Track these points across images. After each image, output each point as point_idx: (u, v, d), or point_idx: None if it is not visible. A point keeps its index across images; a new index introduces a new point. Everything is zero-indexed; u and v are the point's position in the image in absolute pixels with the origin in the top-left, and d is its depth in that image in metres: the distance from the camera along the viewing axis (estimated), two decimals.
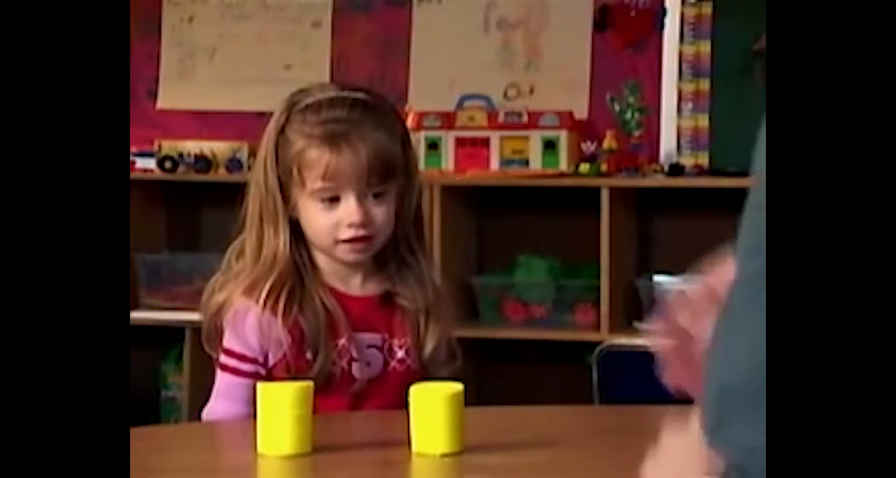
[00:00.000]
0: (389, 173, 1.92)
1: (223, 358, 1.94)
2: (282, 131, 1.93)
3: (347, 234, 1.91)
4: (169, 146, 3.71)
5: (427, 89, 3.73)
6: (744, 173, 2.90)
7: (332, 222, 1.91)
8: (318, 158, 1.89)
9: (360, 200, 1.90)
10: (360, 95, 1.95)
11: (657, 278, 3.33)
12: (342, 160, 1.89)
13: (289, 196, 1.93)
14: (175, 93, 3.97)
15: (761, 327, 0.80)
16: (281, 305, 1.90)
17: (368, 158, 1.89)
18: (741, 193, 0.91)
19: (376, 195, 1.92)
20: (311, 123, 1.91)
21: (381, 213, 1.92)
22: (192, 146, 3.71)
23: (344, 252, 1.92)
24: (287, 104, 1.95)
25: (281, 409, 1.53)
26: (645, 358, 1.17)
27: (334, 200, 1.90)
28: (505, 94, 3.66)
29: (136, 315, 3.48)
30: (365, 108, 1.92)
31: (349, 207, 1.90)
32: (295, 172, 1.91)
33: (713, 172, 3.36)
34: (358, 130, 1.90)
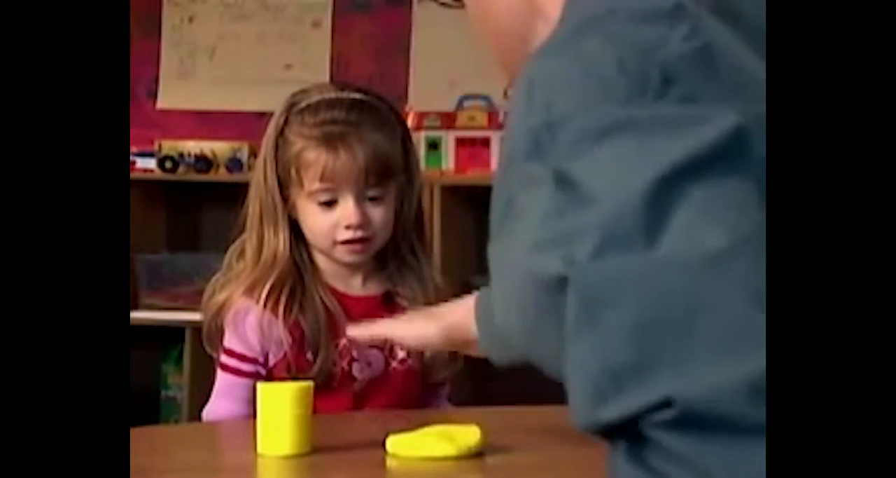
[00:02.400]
0: (388, 175, 1.92)
1: (224, 358, 1.94)
2: (281, 132, 1.94)
3: (345, 235, 1.91)
4: (169, 146, 3.71)
5: (427, 89, 3.73)
6: None
7: (331, 224, 1.91)
8: (315, 159, 1.89)
9: (358, 201, 1.90)
10: (358, 96, 1.95)
11: None
12: (339, 162, 1.89)
13: (288, 196, 1.93)
14: (175, 93, 3.97)
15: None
16: (281, 305, 1.90)
17: (366, 159, 1.89)
18: None
19: (375, 197, 1.92)
20: (308, 124, 1.91)
21: (379, 214, 1.92)
22: (192, 146, 3.71)
23: (342, 253, 1.92)
24: (286, 105, 1.96)
25: (281, 409, 1.53)
26: None
27: (332, 201, 1.90)
28: (505, 94, 3.66)
29: (136, 315, 3.48)
30: (363, 110, 1.92)
31: (347, 209, 1.90)
32: (293, 172, 1.91)
33: None
34: (356, 131, 1.90)
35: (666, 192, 0.82)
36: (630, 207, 0.82)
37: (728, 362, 0.78)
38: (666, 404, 0.79)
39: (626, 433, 0.83)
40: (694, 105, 0.86)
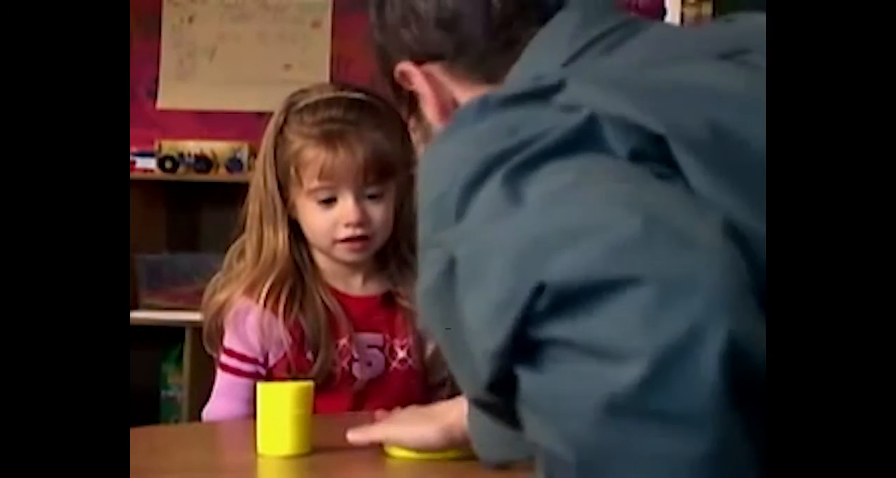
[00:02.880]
0: (387, 173, 1.92)
1: (224, 358, 1.94)
2: (280, 132, 1.94)
3: (345, 233, 1.91)
4: (169, 146, 3.71)
5: None
6: None
7: (330, 222, 1.91)
8: (314, 157, 1.89)
9: (358, 199, 1.90)
10: (357, 95, 1.95)
11: None
12: (338, 160, 1.89)
13: (288, 196, 1.93)
14: (175, 93, 3.97)
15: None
16: (281, 304, 1.90)
17: (365, 157, 1.89)
18: None
19: (374, 195, 1.92)
20: (307, 123, 1.91)
21: (378, 212, 1.92)
22: (192, 146, 3.71)
23: (342, 252, 1.92)
24: (286, 105, 1.96)
25: (281, 409, 1.53)
26: None
27: (332, 199, 1.90)
28: None
29: (136, 315, 3.48)
30: (362, 109, 1.92)
31: (346, 207, 1.90)
32: (293, 171, 1.91)
33: None
34: (355, 129, 1.90)
35: (519, 176, 0.91)
36: (491, 200, 0.91)
37: (582, 243, 0.85)
38: (540, 291, 0.85)
39: (520, 355, 0.88)
40: (554, 123, 0.95)
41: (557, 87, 0.99)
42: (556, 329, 0.85)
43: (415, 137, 1.29)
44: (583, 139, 0.93)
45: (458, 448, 1.49)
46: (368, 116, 1.92)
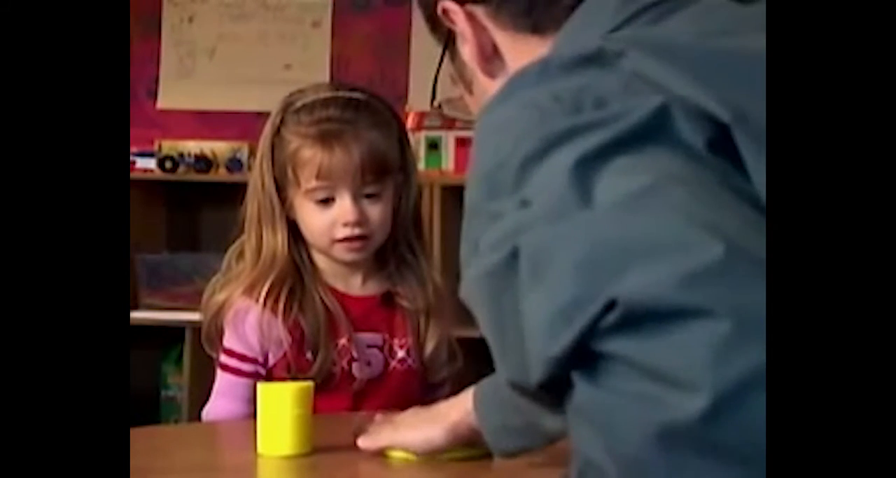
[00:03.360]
0: (384, 172, 1.92)
1: (223, 358, 1.94)
2: (277, 132, 1.93)
3: (343, 233, 1.91)
4: (169, 146, 3.71)
5: (427, 89, 3.73)
6: None
7: (328, 222, 1.91)
8: (311, 157, 1.89)
9: (355, 198, 1.90)
10: (354, 95, 1.95)
11: None
12: (335, 159, 1.89)
13: (285, 197, 1.93)
14: (175, 93, 3.97)
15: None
16: (281, 304, 1.90)
17: (362, 157, 1.89)
18: None
19: (372, 195, 1.92)
20: (304, 123, 1.91)
21: (376, 212, 1.92)
22: (192, 146, 3.71)
23: (340, 252, 1.92)
24: (283, 105, 1.95)
25: (281, 409, 1.53)
26: None
27: (329, 199, 1.90)
28: None
29: (136, 315, 3.48)
30: (359, 108, 1.92)
31: (344, 207, 1.90)
32: (290, 172, 1.91)
33: None
34: (352, 129, 1.90)
35: (589, 167, 0.90)
36: (559, 189, 0.89)
37: (659, 264, 0.84)
38: (610, 306, 0.84)
39: (578, 363, 0.87)
40: (623, 107, 0.93)
41: (619, 54, 0.98)
42: (620, 346, 0.84)
43: (450, 74, 1.28)
44: (655, 130, 0.91)
45: (465, 446, 1.49)
46: (365, 116, 1.92)
